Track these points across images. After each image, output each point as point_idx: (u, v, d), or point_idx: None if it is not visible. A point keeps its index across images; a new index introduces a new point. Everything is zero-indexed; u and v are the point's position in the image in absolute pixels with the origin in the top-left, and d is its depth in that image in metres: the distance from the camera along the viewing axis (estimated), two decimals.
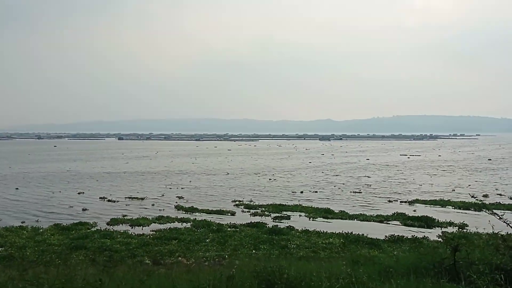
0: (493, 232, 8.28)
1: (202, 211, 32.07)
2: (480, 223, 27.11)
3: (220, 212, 31.51)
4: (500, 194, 40.64)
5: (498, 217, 7.03)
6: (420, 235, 23.15)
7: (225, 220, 28.61)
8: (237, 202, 36.17)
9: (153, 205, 35.27)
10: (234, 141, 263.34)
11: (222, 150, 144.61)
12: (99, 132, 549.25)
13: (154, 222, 27.60)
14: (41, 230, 24.66)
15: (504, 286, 5.75)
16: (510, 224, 6.84)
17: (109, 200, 37.50)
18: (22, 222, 27.77)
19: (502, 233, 8.09)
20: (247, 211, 32.24)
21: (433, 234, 23.95)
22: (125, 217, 29.15)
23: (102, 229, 25.24)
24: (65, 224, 26.44)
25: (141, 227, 26.38)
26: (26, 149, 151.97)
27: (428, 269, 6.86)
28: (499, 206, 33.30)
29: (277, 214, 30.41)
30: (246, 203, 35.67)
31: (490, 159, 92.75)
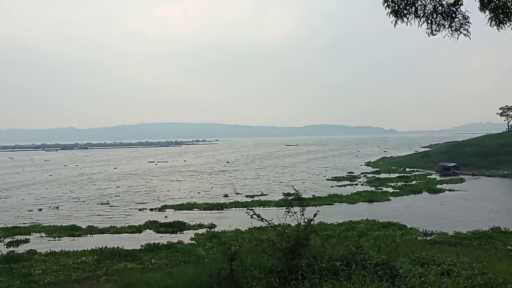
0: (252, 227, 8.60)
1: None
2: (225, 222, 29.70)
3: None
4: (238, 193, 45.58)
5: (257, 217, 7.25)
6: (175, 240, 23.43)
7: None
8: None
9: None
10: None
11: None
12: None
13: None
14: None
15: (278, 287, 5.89)
16: (264, 219, 7.15)
17: None
18: None
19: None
20: None
21: (186, 237, 24.72)
22: None
23: None
24: None
25: None
26: None
27: (208, 282, 6.54)
28: (237, 204, 37.33)
29: (11, 239, 25.81)
30: None
31: (228, 162, 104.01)
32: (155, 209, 36.83)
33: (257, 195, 43.20)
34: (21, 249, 23.19)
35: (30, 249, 22.59)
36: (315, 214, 7.15)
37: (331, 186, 49.63)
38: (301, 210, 6.89)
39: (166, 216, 32.56)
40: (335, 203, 36.91)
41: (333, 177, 59.38)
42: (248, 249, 7.44)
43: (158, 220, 30.10)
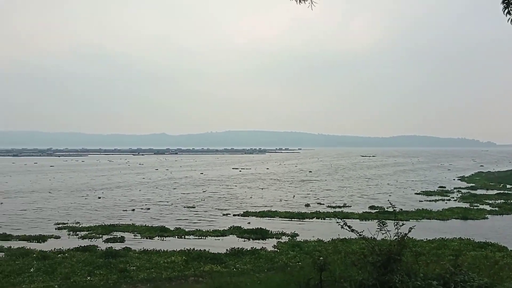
0: (335, 239, 8.43)
1: (19, 237, 27.52)
2: (307, 232, 29.43)
3: (41, 238, 27.47)
4: (320, 203, 44.99)
5: (348, 228, 7.08)
6: (258, 247, 23.71)
7: (49, 246, 25.09)
8: (60, 225, 32.08)
9: None
10: (59, 156, 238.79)
11: (43, 166, 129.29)
12: None
13: None
14: None
15: None
16: (354, 230, 6.95)
17: None
18: None
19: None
20: (74, 235, 28.87)
21: (269, 245, 24.92)
22: None
23: None
24: None
25: None
26: None
27: None
28: (319, 214, 36.90)
29: (109, 236, 27.91)
30: (72, 225, 31.93)
31: (310, 171, 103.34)
32: (238, 214, 37.60)
33: (340, 207, 42.27)
34: (117, 246, 24.94)
35: (126, 247, 24.24)
36: (410, 229, 6.82)
37: (420, 201, 46.98)
38: (395, 224, 6.63)
39: (249, 222, 33.06)
40: (423, 219, 34.87)
41: (423, 191, 56.21)
42: (336, 260, 7.28)
43: (242, 226, 30.67)
